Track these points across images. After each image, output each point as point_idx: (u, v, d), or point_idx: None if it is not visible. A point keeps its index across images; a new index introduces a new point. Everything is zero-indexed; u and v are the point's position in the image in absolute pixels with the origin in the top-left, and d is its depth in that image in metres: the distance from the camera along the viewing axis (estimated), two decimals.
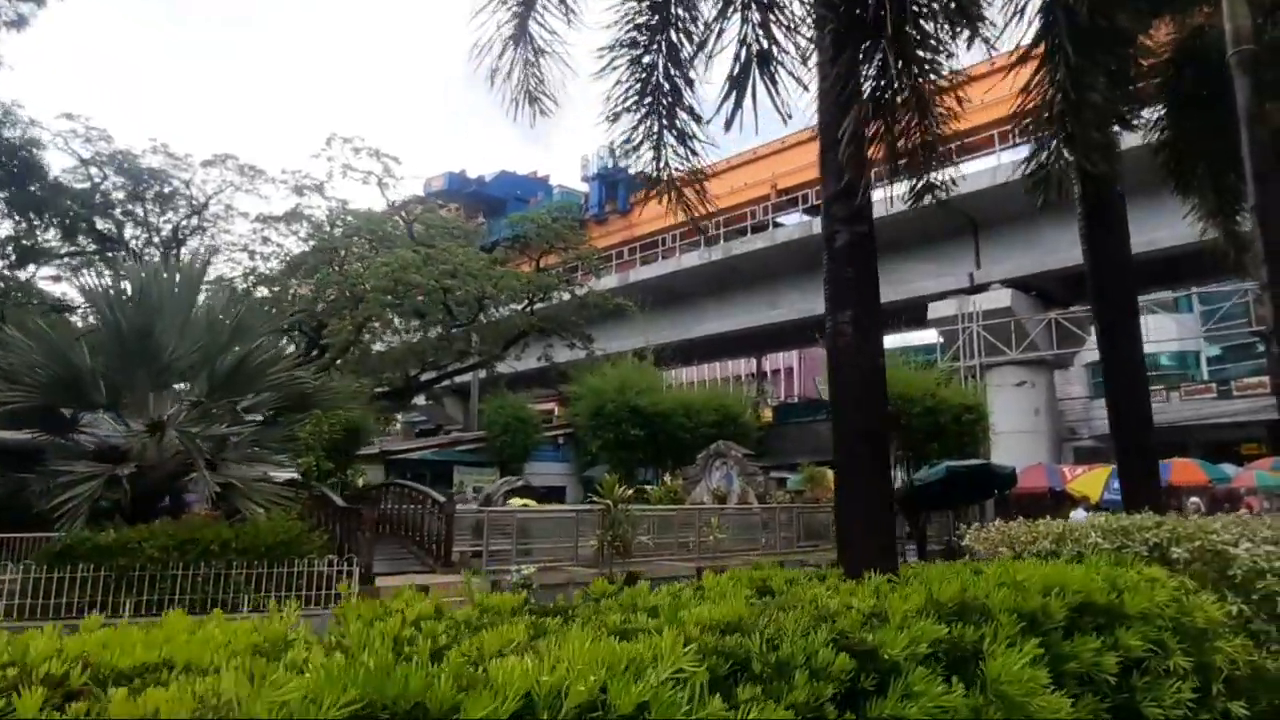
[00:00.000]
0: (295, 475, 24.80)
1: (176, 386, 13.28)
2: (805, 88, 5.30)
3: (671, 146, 6.08)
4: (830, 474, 22.44)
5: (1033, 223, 27.01)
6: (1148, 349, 33.16)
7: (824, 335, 4.74)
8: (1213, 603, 4.31)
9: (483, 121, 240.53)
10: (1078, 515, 18.41)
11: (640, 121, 5.85)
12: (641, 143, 5.94)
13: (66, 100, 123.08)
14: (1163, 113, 10.05)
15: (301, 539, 11.26)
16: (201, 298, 14.51)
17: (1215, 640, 4.13)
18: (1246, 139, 8.02)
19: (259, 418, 13.50)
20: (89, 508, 10.72)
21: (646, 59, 5.58)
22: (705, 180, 6.50)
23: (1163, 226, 24.59)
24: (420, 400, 45.49)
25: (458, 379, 40.36)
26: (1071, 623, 3.50)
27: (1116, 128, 9.84)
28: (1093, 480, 20.49)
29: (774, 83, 5.24)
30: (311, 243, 29.56)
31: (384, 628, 2.61)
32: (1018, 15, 6.02)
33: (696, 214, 6.66)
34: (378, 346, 32.50)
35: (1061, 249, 26.96)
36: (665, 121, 5.80)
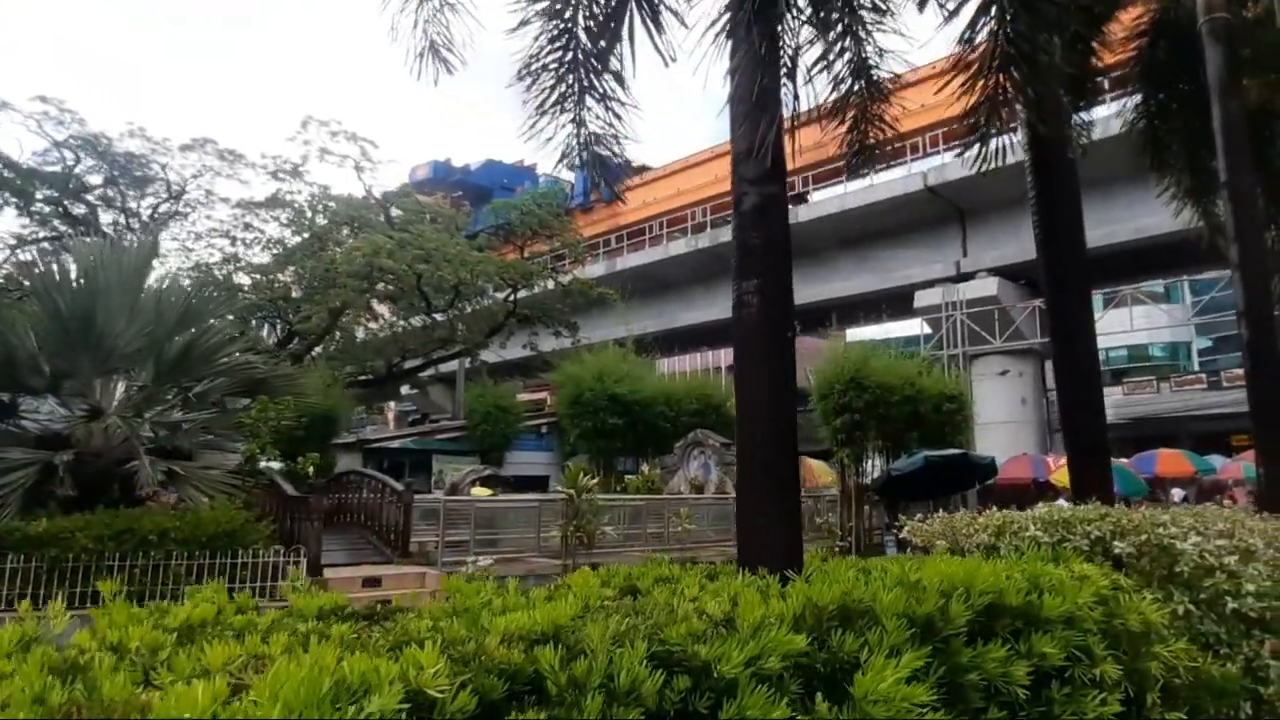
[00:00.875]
0: (267, 463, 24.49)
1: (130, 371, 12.90)
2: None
3: (591, 109, 5.63)
4: (814, 464, 22.14)
5: (1020, 210, 26.31)
6: (1137, 340, 32.69)
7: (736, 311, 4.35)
8: (1153, 603, 3.92)
9: (477, 114, 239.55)
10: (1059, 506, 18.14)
11: (558, 82, 5.40)
12: (556, 104, 5.48)
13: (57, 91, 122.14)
14: (1137, 88, 9.56)
15: (246, 529, 10.86)
16: (154, 279, 14.07)
17: (1153, 645, 3.74)
18: (1218, 113, 7.63)
19: (211, 403, 13.10)
20: (23, 496, 10.33)
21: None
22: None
23: (1151, 213, 24.17)
24: (408, 389, 45.19)
25: (443, 367, 40.03)
26: (978, 628, 3.11)
27: (1083, 114, 9.38)
28: None
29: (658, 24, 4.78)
30: (291, 229, 29.10)
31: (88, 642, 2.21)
32: None
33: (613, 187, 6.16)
34: (360, 334, 32.13)
35: None
36: (587, 82, 5.35)
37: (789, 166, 4.91)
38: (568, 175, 43.70)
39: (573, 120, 5.48)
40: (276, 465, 24.75)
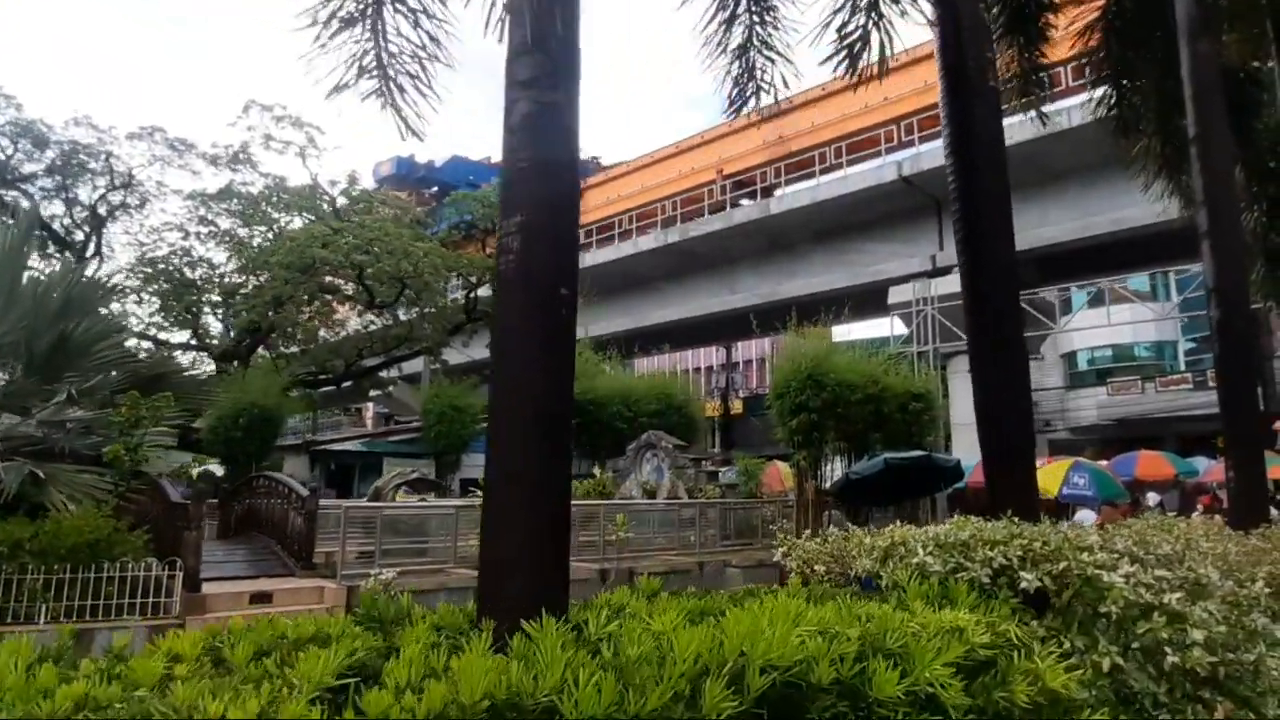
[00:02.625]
0: (202, 467, 23.30)
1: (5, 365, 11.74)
2: None
3: None
4: (782, 466, 21.05)
5: None
6: (1122, 339, 31.75)
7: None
8: (1063, 659, 2.85)
9: (444, 109, 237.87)
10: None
11: None
12: None
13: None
14: (1103, 45, 8.49)
15: (114, 539, 9.73)
16: (104, 273, 12.96)
17: None
18: (1186, 56, 6.57)
19: (99, 401, 11.94)
20: None
21: None
22: None
23: (1133, 204, 23.19)
24: (376, 391, 43.96)
25: (407, 368, 38.88)
26: None
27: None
28: (1051, 474, 19.03)
29: None
30: (239, 221, 27.93)
31: None
32: None
33: None
34: (323, 333, 30.96)
35: (1027, 227, 25.53)
36: None
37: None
38: None
39: None
40: (217, 470, 23.68)
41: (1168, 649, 3.07)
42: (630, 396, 22.85)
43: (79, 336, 10.87)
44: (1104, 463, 20.90)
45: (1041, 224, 25.23)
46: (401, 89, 4.75)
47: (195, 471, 13.69)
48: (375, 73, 4.66)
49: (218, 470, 23.63)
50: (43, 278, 12.10)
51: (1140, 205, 23.07)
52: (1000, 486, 5.47)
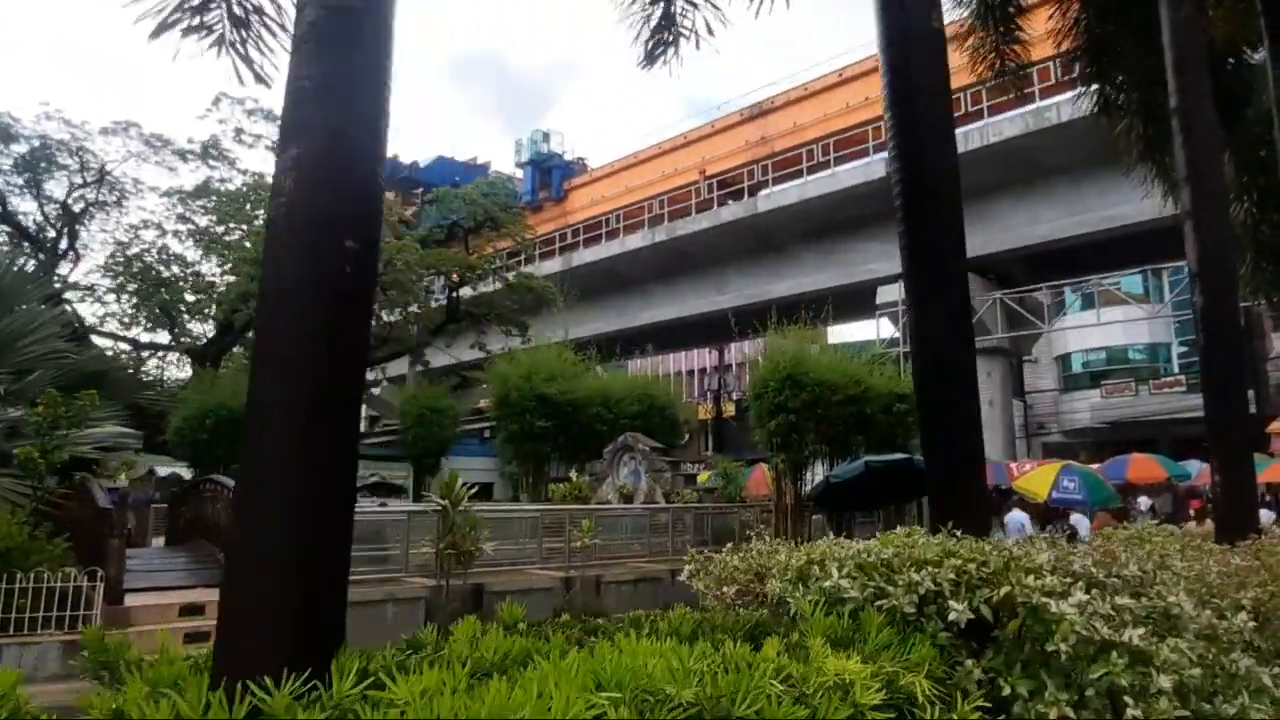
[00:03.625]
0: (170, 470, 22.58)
1: None
2: None
3: None
4: (767, 469, 20.44)
5: (986, 198, 25.01)
6: (1115, 341, 31.13)
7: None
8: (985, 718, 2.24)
9: (428, 110, 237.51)
10: (1014, 519, 16.46)
11: None
12: None
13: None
14: (1080, 12, 7.87)
15: (29, 547, 9.12)
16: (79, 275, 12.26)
17: None
18: (1167, 21, 5.99)
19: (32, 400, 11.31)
20: None
21: None
22: None
23: (1124, 201, 22.63)
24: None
25: (391, 370, 38.25)
26: None
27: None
28: (1040, 477, 18.44)
29: None
30: (214, 218, 27.30)
31: None
32: None
33: None
34: None
35: (1018, 225, 25.04)
36: None
37: None
38: (520, 174, 42.27)
39: None
40: (185, 473, 22.99)
41: (1128, 698, 2.46)
42: (611, 397, 22.21)
43: (2, 331, 10.23)
44: (1095, 466, 20.32)
45: (1032, 222, 24.67)
46: (244, 24, 4.12)
47: (122, 477, 12.97)
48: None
49: (185, 474, 23.02)
50: None
51: (1132, 203, 22.51)
52: (944, 496, 4.87)
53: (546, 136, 42.39)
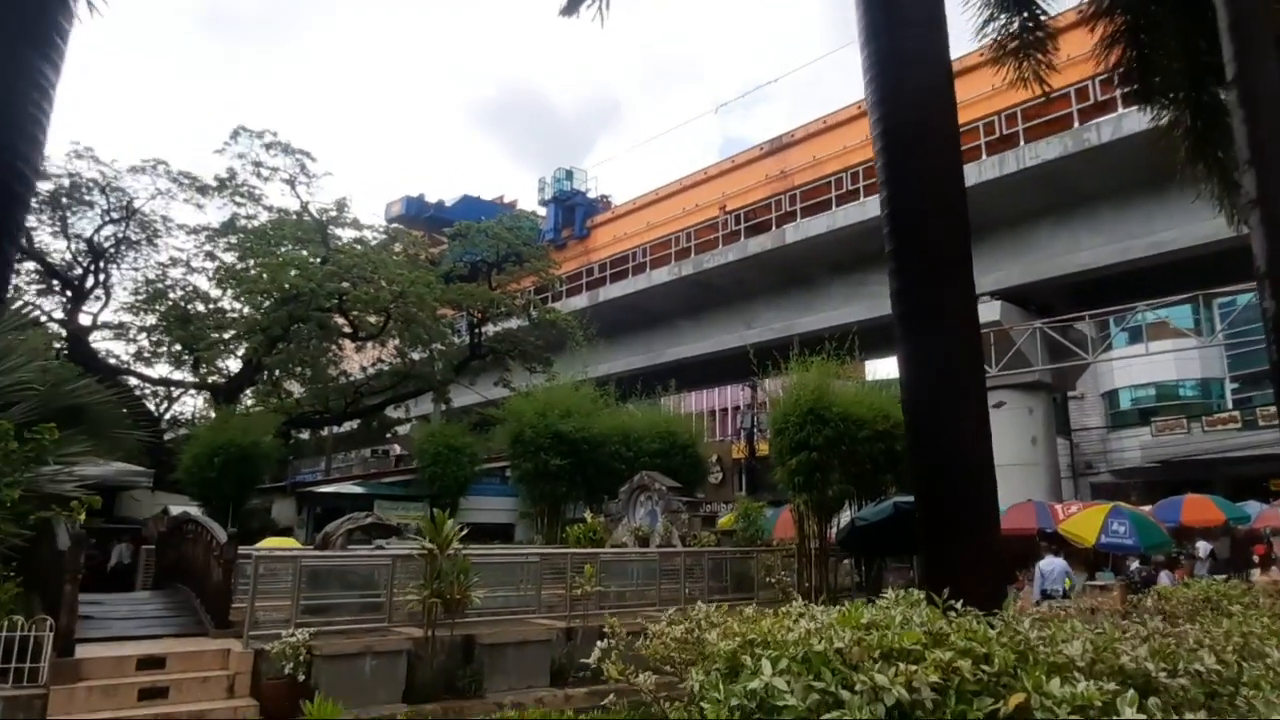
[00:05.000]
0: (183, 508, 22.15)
1: None
2: None
3: None
4: (771, 511, 19.36)
5: (1028, 225, 23.97)
6: (1165, 376, 29.60)
7: None
8: None
9: (455, 150, 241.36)
10: (1049, 566, 15.18)
11: None
12: None
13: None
14: None
15: None
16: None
17: None
18: None
19: None
20: None
21: None
22: None
23: (1170, 225, 21.49)
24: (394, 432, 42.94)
25: (416, 409, 37.86)
26: None
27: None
28: (1087, 520, 17.14)
29: None
30: (236, 254, 27.17)
31: None
32: None
33: None
34: (332, 372, 30.02)
35: (1058, 253, 23.88)
36: None
37: None
38: (543, 212, 42.06)
39: None
40: (195, 511, 22.55)
41: None
42: (630, 435, 21.34)
43: None
44: (1147, 508, 18.94)
45: (1073, 249, 23.50)
46: None
47: (81, 516, 12.25)
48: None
49: (195, 511, 22.57)
50: None
51: (1179, 227, 21.34)
52: (938, 552, 3.93)
53: (570, 174, 42.15)
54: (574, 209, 40.56)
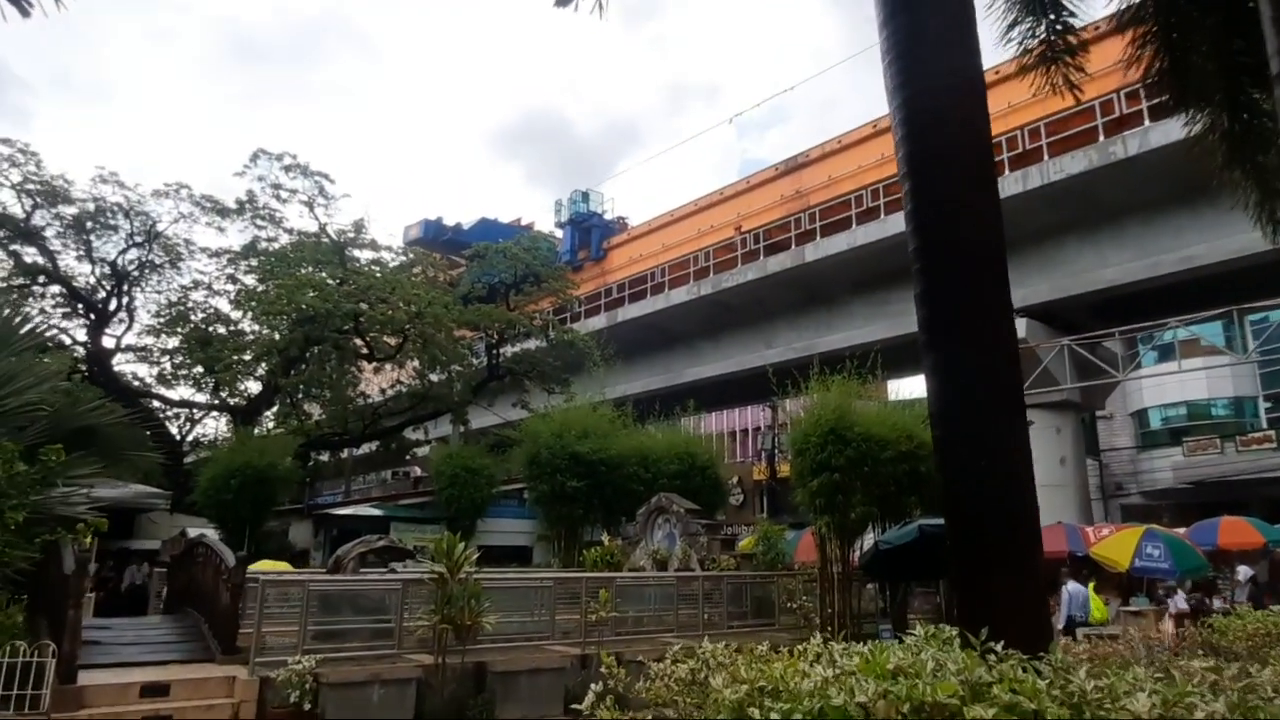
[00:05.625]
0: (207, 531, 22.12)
1: None
2: None
3: None
4: (792, 534, 18.95)
5: (1053, 241, 23.55)
6: (1197, 396, 28.94)
7: None
8: None
9: (474, 173, 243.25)
10: (1074, 589, 14.71)
11: None
12: None
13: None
14: None
15: None
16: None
17: None
18: None
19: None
20: None
21: None
22: None
23: (1201, 239, 21.02)
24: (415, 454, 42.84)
25: (437, 430, 37.75)
26: None
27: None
28: (1120, 543, 16.60)
29: None
30: (255, 276, 27.26)
31: None
32: None
33: None
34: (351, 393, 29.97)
35: (1085, 269, 23.42)
36: None
37: None
38: (560, 234, 42.07)
39: None
40: (212, 533, 22.47)
41: None
42: (649, 456, 21.02)
43: None
44: (1181, 531, 18.36)
45: (1100, 265, 23.04)
46: None
47: (87, 539, 12.09)
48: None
49: (212, 534, 22.48)
50: None
51: (1210, 241, 20.86)
52: (973, 583, 3.60)
53: (586, 196, 42.18)
54: (590, 231, 40.54)
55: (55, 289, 28.18)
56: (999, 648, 2.05)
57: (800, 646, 2.55)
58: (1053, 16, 6.96)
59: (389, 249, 27.69)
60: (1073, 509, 23.36)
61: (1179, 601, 15.65)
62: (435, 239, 39.90)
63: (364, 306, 21.37)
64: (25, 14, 4.20)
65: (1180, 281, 21.90)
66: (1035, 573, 3.90)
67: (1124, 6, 6.90)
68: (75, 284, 28.68)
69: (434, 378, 29.12)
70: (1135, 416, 38.62)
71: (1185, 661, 2.56)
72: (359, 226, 25.46)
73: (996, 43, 7.78)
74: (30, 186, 26.23)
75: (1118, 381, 25.41)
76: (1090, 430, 34.11)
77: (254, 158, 25.72)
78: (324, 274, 22.62)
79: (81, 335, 28.53)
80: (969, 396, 4.34)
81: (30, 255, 26.83)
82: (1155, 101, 20.28)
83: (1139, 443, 38.33)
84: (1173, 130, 19.89)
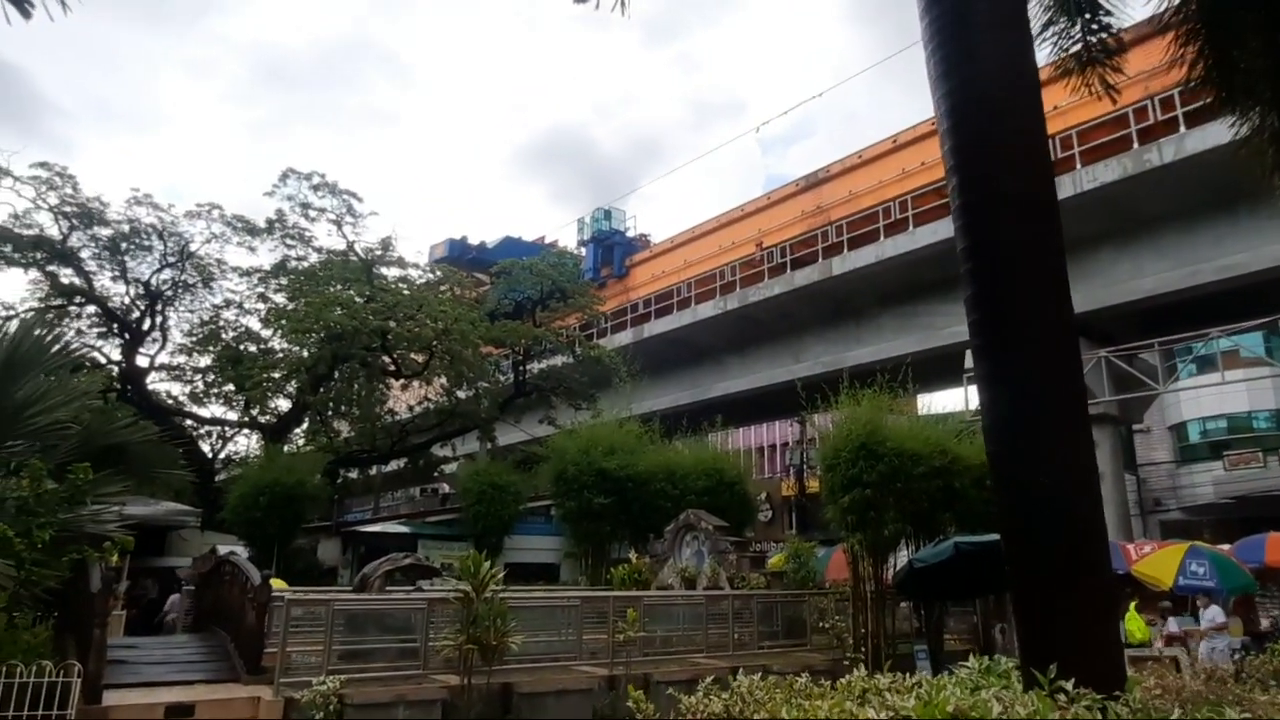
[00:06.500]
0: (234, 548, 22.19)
1: None
2: None
3: None
4: (823, 551, 18.62)
5: (1087, 251, 23.07)
6: (1238, 408, 28.23)
7: None
8: None
9: (499, 192, 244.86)
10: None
11: None
12: None
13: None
14: None
15: (0, 636, 8.28)
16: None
17: None
18: None
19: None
20: None
21: None
22: None
23: (1243, 248, 20.51)
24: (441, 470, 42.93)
25: (464, 447, 37.78)
26: None
27: None
28: (1163, 561, 16.12)
29: None
30: (285, 295, 27.48)
31: None
32: None
33: None
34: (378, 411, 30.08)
35: (1120, 279, 22.94)
36: None
37: None
38: (582, 252, 42.12)
39: None
40: (242, 550, 22.56)
41: None
42: (676, 472, 20.83)
43: (5, 403, 9.65)
44: (1226, 547, 17.79)
45: (1136, 275, 22.56)
46: None
47: (114, 558, 12.08)
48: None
49: (241, 551, 22.57)
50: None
51: (1253, 249, 20.34)
52: (1035, 612, 3.35)
53: (608, 214, 42.29)
54: (613, 248, 40.62)
55: (91, 309, 28.59)
56: (1069, 686, 1.86)
57: (844, 680, 2.36)
58: (1088, 16, 6.77)
59: (416, 266, 27.85)
60: (1112, 526, 22.60)
61: (1171, 625, 15.28)
62: (460, 258, 40.11)
63: (391, 324, 21.44)
64: (26, 15, 4.18)
65: (1220, 291, 21.35)
66: (1106, 600, 3.66)
67: (1164, 7, 6.66)
68: (110, 304, 29.06)
69: (461, 394, 29.16)
70: (1174, 430, 37.79)
71: (1269, 696, 2.33)
72: (386, 244, 25.65)
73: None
74: (67, 209, 26.67)
75: (1156, 394, 24.80)
76: (1127, 444, 33.39)
77: (283, 177, 26.01)
78: (351, 292, 22.75)
79: (116, 354, 28.91)
80: (1030, 407, 4.12)
81: (67, 276, 27.22)
82: (1191, 107, 19.87)
83: (1178, 457, 37.48)
84: (1210, 136, 19.48)
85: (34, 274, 26.70)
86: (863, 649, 13.66)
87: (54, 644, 8.82)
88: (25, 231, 25.26)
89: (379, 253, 25.74)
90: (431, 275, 30.22)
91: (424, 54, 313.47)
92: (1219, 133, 19.53)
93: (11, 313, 25.24)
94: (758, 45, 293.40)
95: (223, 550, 23.75)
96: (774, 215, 33.65)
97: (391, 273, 27.71)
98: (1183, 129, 20.49)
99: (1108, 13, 6.77)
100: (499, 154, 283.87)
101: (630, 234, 42.72)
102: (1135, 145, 21.61)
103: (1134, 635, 14.91)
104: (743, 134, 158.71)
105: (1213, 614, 14.75)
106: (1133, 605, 15.45)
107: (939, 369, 25.51)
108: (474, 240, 43.71)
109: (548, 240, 44.48)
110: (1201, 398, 33.58)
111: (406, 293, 23.55)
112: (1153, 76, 20.09)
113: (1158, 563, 16.13)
